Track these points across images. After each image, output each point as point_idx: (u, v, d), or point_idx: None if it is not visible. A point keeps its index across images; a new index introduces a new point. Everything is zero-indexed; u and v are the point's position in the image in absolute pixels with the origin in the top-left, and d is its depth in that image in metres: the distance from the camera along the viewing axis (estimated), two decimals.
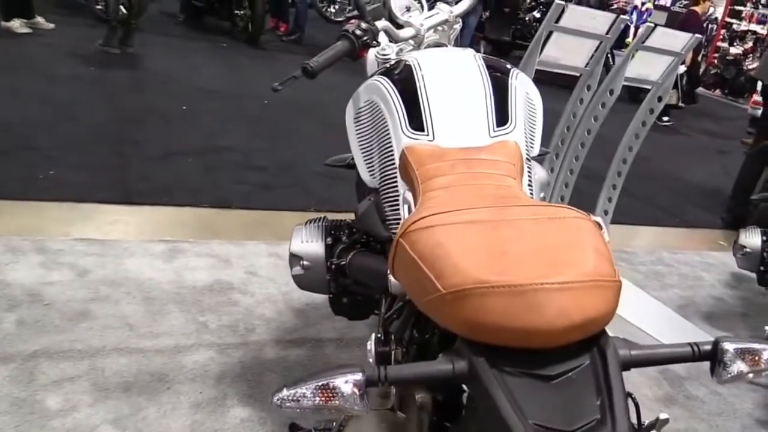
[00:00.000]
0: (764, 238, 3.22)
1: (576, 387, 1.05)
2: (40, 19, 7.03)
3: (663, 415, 1.45)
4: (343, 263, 1.84)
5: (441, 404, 1.31)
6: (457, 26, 2.26)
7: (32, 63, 5.90)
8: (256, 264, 3.22)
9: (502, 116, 1.64)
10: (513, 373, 1.05)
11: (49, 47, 6.48)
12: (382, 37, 2.02)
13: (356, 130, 1.83)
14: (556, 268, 1.07)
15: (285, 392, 1.05)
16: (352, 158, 1.84)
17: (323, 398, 1.04)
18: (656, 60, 3.69)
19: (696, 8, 9.63)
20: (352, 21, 1.94)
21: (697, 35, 3.74)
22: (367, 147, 1.76)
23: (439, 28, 2.16)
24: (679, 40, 3.67)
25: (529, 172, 1.64)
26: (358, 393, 1.04)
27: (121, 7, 6.59)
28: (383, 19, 1.98)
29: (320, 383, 1.04)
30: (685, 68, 8.98)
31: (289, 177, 4.53)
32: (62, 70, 5.89)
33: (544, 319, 1.02)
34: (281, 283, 3.05)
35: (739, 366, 1.12)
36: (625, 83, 3.65)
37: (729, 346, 1.12)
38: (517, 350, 1.06)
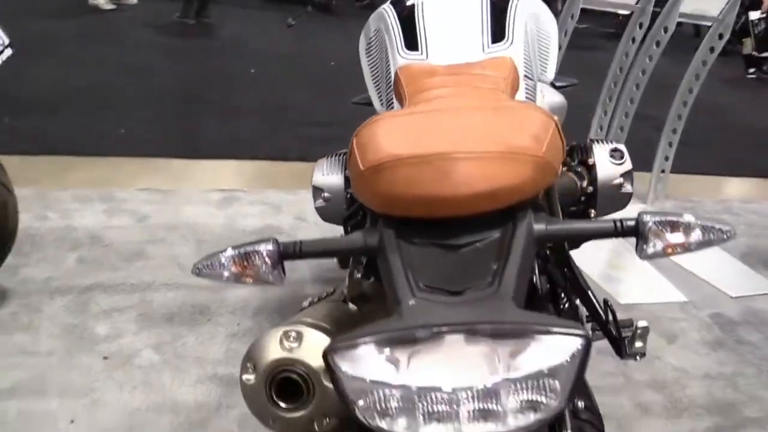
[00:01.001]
0: None
1: (480, 256, 1.07)
2: None
3: (641, 323, 1.47)
4: None
5: None
6: None
7: (116, 35, 6.25)
8: (305, 210, 3.33)
9: (498, 33, 1.65)
10: (419, 243, 1.09)
11: (132, 20, 6.83)
12: None
13: (368, 61, 1.88)
14: (468, 140, 1.10)
15: (203, 261, 1.12)
16: None
17: (238, 267, 1.10)
18: None
19: None
20: None
21: None
22: (376, 75, 1.81)
23: None
24: None
25: (528, 91, 1.65)
26: (270, 263, 1.10)
27: None
28: None
29: (235, 252, 1.10)
30: (762, 14, 8.49)
31: (347, 130, 4.59)
32: (142, 41, 6.22)
33: (448, 187, 1.06)
34: (327, 228, 3.13)
35: (663, 239, 1.09)
36: (681, 20, 3.54)
37: (650, 219, 1.09)
38: (427, 223, 1.10)
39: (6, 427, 1.94)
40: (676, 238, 1.08)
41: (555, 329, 0.87)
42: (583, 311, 1.69)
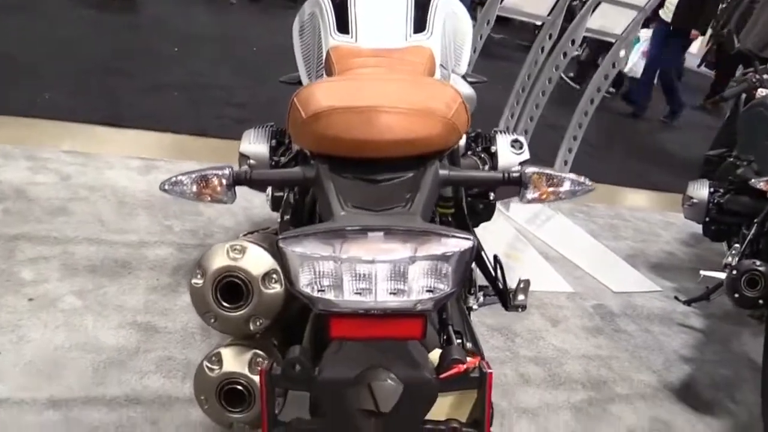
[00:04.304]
0: (711, 190, 3.42)
1: (396, 189, 1.31)
2: None
3: (523, 277, 1.72)
4: (282, 161, 2.08)
5: None
6: None
7: (39, 5, 6.13)
8: None
9: (420, 25, 1.87)
10: (347, 177, 1.32)
11: None
12: None
13: (300, 41, 2.06)
14: (392, 98, 1.34)
15: (169, 180, 1.32)
16: None
17: (198, 187, 1.31)
18: (619, 13, 3.86)
19: None
20: None
21: None
22: (307, 55, 1.99)
23: None
24: None
25: (442, 79, 1.86)
26: (224, 185, 1.31)
27: None
28: None
29: (197, 175, 1.31)
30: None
31: (265, 113, 4.73)
32: (66, 13, 6.15)
33: (374, 132, 1.30)
34: (243, 199, 3.29)
35: (541, 188, 1.33)
36: (587, 34, 3.85)
37: (532, 170, 1.33)
38: (356, 162, 1.32)
39: None
40: (551, 186, 1.33)
41: (451, 233, 1.12)
42: (477, 278, 1.93)
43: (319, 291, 1.11)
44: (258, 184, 1.38)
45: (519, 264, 3.62)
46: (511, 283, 1.82)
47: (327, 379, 1.20)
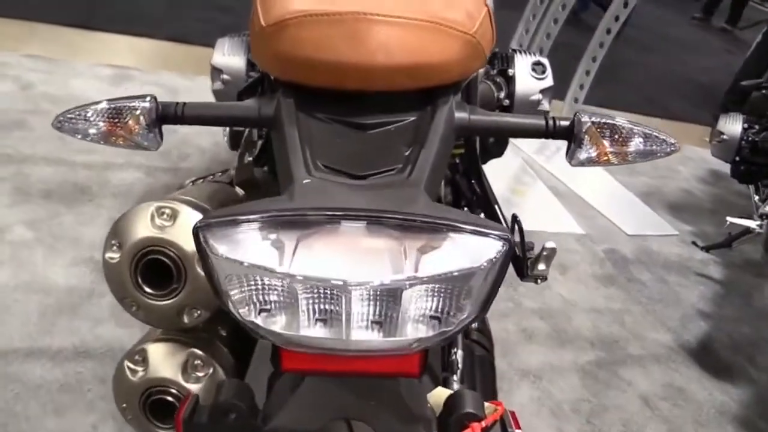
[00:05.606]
0: (746, 126, 3.03)
1: (391, 139, 0.92)
2: None
3: (549, 244, 1.37)
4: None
5: None
6: None
7: None
8: (203, 98, 3.15)
9: None
10: (321, 118, 0.93)
11: None
12: None
13: None
14: (389, 3, 0.93)
15: (67, 113, 0.94)
16: None
17: (107, 124, 0.93)
18: None
19: None
20: None
21: None
22: None
23: None
24: None
25: None
26: (145, 123, 0.93)
27: None
28: None
29: (106, 106, 0.93)
30: None
31: None
32: None
33: (363, 53, 0.90)
34: None
35: (600, 145, 0.95)
36: None
37: (589, 119, 0.94)
38: (334, 95, 0.94)
39: None
40: (616, 144, 0.95)
41: (473, 228, 0.74)
42: None
43: (261, 311, 0.74)
44: (194, 122, 0.97)
45: (525, 200, 3.33)
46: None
47: None
